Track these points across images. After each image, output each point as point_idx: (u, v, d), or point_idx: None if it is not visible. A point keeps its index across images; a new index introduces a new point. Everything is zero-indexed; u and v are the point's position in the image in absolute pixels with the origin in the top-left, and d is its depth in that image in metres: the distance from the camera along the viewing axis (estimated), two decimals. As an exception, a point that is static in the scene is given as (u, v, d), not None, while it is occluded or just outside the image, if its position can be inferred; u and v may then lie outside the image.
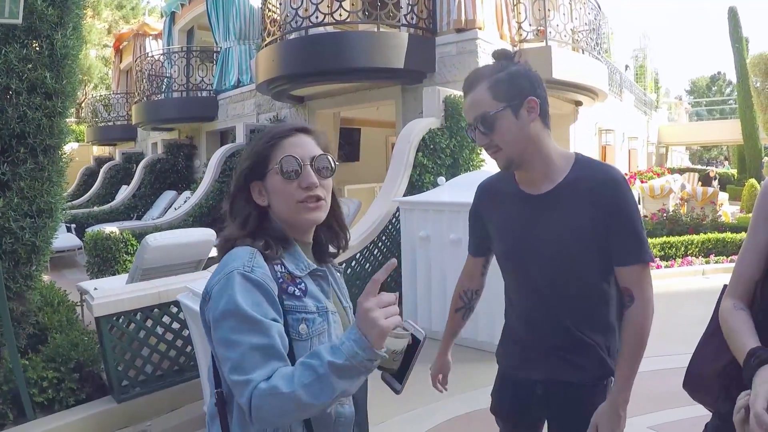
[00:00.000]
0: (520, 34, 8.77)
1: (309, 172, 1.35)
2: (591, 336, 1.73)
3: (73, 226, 10.73)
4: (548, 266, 1.71)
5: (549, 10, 8.77)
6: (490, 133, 1.65)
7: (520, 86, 1.64)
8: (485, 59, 7.77)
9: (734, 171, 27.26)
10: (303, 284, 1.34)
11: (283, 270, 1.33)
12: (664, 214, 9.85)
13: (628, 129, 18.47)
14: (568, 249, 1.67)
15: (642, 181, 13.62)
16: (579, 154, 1.77)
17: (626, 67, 26.38)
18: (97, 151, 21.78)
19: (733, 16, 21.44)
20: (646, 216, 10.01)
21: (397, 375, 1.35)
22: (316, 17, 8.01)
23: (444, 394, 2.21)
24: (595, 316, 1.75)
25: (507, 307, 1.96)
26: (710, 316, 1.55)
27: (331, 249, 1.54)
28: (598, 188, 1.64)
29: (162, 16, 16.62)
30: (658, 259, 8.41)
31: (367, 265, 5.81)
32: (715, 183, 17.96)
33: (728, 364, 1.40)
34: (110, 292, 3.82)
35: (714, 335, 1.49)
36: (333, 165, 1.40)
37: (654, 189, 12.57)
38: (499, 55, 1.72)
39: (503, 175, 1.87)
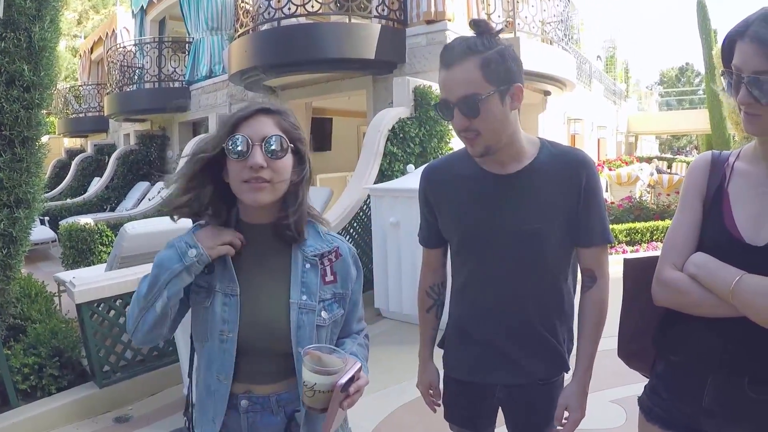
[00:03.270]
0: (490, 26, 8.93)
1: (256, 153, 1.32)
2: (549, 330, 1.69)
3: (47, 218, 10.64)
4: (514, 247, 1.61)
5: (518, 1, 8.94)
6: (473, 117, 1.48)
7: (511, 70, 1.51)
8: (455, 50, 7.90)
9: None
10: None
11: None
12: (630, 202, 10.11)
13: (597, 118, 18.74)
14: (537, 227, 1.59)
15: (610, 169, 13.89)
16: (543, 138, 1.71)
17: (598, 57, 26.63)
18: (69, 143, 21.45)
19: (702, 8, 21.72)
20: (613, 203, 10.28)
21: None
22: (289, 8, 8.07)
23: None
24: (553, 304, 1.70)
25: (457, 305, 1.80)
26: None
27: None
28: (573, 168, 1.60)
29: (132, 13, 16.38)
30: (624, 244, 8.64)
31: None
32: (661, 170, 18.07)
33: (657, 326, 1.53)
34: (91, 279, 3.89)
35: (632, 307, 1.59)
36: (285, 146, 1.37)
37: (621, 176, 12.84)
38: (483, 29, 1.50)
39: (457, 156, 1.74)
